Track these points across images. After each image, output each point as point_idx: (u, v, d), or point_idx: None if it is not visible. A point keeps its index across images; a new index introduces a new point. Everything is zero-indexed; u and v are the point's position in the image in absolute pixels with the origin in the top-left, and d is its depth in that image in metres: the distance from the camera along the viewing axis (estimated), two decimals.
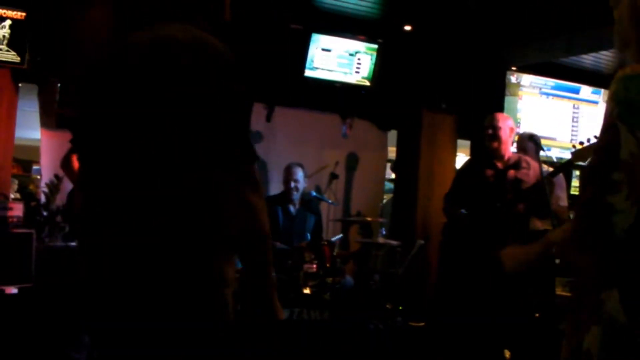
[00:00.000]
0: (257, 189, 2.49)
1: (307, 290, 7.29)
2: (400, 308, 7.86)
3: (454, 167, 10.21)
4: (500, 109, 9.49)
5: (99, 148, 2.48)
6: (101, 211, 2.46)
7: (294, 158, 8.66)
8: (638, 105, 2.24)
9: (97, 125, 2.48)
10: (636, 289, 2.26)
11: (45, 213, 7.45)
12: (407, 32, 9.35)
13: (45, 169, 8.25)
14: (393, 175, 11.05)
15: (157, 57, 2.37)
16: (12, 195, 9.14)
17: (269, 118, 9.30)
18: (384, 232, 9.18)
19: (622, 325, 2.28)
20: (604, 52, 9.85)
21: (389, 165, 11.04)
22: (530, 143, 7.84)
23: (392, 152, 10.67)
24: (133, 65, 2.41)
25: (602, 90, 10.69)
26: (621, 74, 2.32)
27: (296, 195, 8.06)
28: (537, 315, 7.05)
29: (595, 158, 2.41)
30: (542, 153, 7.35)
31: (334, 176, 8.78)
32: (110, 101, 2.43)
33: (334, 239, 8.22)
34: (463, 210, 6.97)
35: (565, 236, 2.47)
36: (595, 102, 10.68)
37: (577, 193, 9.08)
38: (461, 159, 10.65)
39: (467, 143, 10.69)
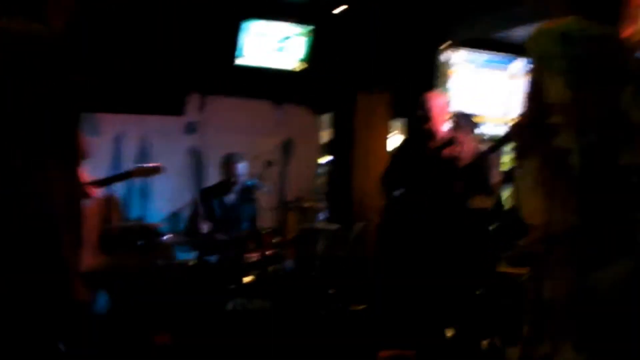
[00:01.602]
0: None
1: (249, 280, 7.26)
2: (331, 292, 7.85)
3: (389, 148, 10.20)
4: (434, 86, 9.48)
5: None
6: None
7: (228, 147, 8.59)
8: (554, 54, 2.45)
9: None
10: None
11: None
12: (340, 13, 9.27)
13: None
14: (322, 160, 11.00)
15: None
16: None
17: (202, 107, 9.21)
18: (322, 217, 9.16)
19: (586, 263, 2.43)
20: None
21: None
22: (465, 120, 7.87)
23: (324, 136, 10.62)
24: None
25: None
26: (538, 29, 2.56)
27: (237, 187, 8.02)
28: (477, 293, 7.10)
29: (529, 109, 2.59)
30: (477, 130, 7.40)
31: (269, 163, 8.73)
32: None
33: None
34: (396, 193, 6.96)
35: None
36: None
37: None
38: (397, 139, 10.63)
39: (402, 123, 10.66)
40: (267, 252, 7.49)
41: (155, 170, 7.43)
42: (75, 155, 2.49)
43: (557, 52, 2.43)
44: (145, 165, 7.39)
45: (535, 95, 2.48)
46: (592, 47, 2.44)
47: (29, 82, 2.33)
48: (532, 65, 2.53)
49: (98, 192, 6.33)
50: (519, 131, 2.62)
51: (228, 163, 8.05)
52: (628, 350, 2.48)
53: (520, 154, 2.61)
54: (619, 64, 2.50)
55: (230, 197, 8.07)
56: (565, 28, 2.47)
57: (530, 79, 2.53)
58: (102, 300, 7.70)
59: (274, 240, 7.64)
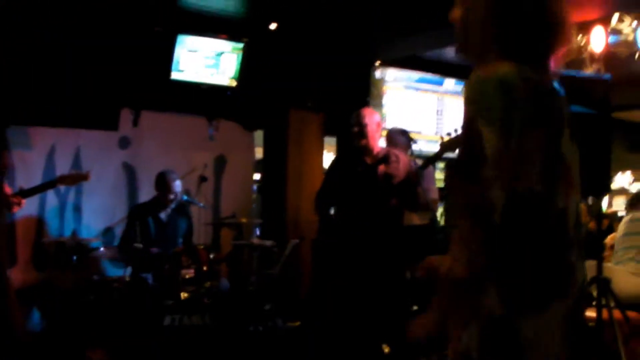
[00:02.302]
0: None
1: (185, 296, 7.23)
2: (267, 308, 7.87)
3: (322, 165, 10.27)
4: (366, 104, 9.57)
5: None
6: None
7: (162, 162, 8.60)
8: (491, 104, 2.42)
9: None
10: (511, 281, 2.39)
11: None
12: (273, 30, 9.32)
13: None
14: (257, 176, 11.01)
15: None
16: None
17: (135, 122, 9.16)
18: (257, 233, 9.17)
19: (499, 317, 2.41)
20: None
21: None
22: (400, 137, 7.97)
23: (259, 152, 10.62)
24: None
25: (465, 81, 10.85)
26: (475, 77, 2.52)
27: (172, 205, 8.01)
28: (414, 309, 7.17)
29: (463, 155, 2.61)
30: (411, 146, 7.46)
31: (203, 179, 8.73)
32: None
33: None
34: (331, 209, 7.01)
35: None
36: (459, 93, 10.79)
37: (442, 185, 9.25)
38: (328, 157, 10.71)
39: (334, 140, 10.74)
40: (203, 268, 7.48)
41: (81, 177, 7.38)
42: None
43: (496, 101, 2.43)
44: (70, 173, 7.34)
45: (469, 140, 2.50)
46: (530, 92, 2.46)
47: None
48: (467, 112, 2.53)
49: (24, 203, 6.28)
50: (450, 168, 2.65)
51: (163, 180, 8.01)
52: None
53: (449, 191, 2.71)
54: (556, 107, 2.56)
55: (165, 213, 8.04)
56: (502, 76, 2.47)
57: (466, 122, 2.54)
58: (35, 317, 7.62)
59: (210, 256, 7.62)
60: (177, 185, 8.01)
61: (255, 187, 10.54)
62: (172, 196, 7.97)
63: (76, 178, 7.35)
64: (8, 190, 5.82)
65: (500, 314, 2.41)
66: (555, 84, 2.63)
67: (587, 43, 8.27)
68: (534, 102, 2.45)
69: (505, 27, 2.58)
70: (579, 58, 8.32)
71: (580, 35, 8.29)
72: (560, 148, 2.51)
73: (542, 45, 2.60)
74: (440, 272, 2.50)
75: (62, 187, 8.41)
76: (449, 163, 8.98)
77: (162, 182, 8.02)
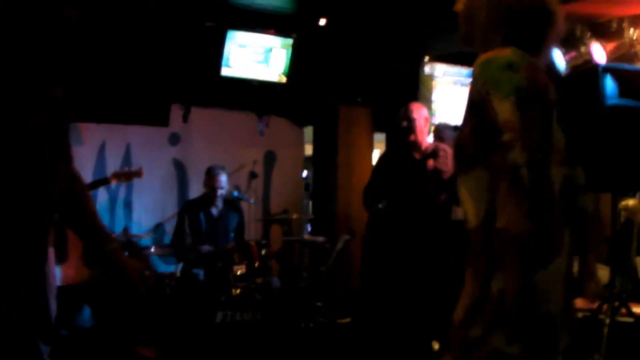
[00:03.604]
0: None
1: (237, 292, 7.22)
2: (319, 304, 7.83)
3: (371, 160, 10.22)
4: (415, 99, 9.49)
5: None
6: None
7: (212, 158, 8.58)
8: (501, 80, 2.67)
9: None
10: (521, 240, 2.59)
11: None
12: (322, 25, 9.27)
13: None
14: (305, 173, 10.99)
15: None
16: None
17: (185, 119, 9.17)
18: (309, 229, 9.15)
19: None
20: None
21: None
22: (449, 132, 7.88)
23: (308, 149, 10.61)
24: None
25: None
26: (482, 59, 2.78)
27: (220, 200, 7.98)
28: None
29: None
30: None
31: (253, 175, 8.73)
32: None
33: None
34: (380, 205, 6.95)
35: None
36: None
37: None
38: (377, 153, 10.66)
39: (383, 136, 10.69)
40: (254, 264, 7.46)
41: (134, 174, 7.37)
42: (63, 160, 2.53)
43: (505, 77, 2.68)
44: (123, 169, 7.33)
45: (479, 115, 2.72)
46: (529, 75, 2.70)
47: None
48: (477, 89, 2.74)
49: None
50: (462, 145, 2.86)
51: (210, 175, 7.99)
52: (556, 347, 2.78)
53: (464, 166, 2.86)
54: (547, 90, 2.77)
55: (216, 209, 8.03)
56: (509, 57, 2.72)
57: (473, 100, 2.77)
58: (86, 314, 7.63)
59: (262, 252, 7.59)
60: (224, 179, 7.96)
61: (302, 182, 10.49)
62: (219, 191, 7.93)
63: (129, 175, 7.34)
64: None
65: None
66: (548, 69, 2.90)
67: (639, 37, 8.17)
68: (534, 83, 2.70)
69: (506, 17, 2.84)
70: (630, 52, 8.22)
71: (632, 29, 8.18)
72: (551, 127, 2.75)
73: (539, 33, 2.87)
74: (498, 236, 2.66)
75: (113, 184, 8.45)
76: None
77: (208, 176, 7.99)
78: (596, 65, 8.08)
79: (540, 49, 2.87)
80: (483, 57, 2.78)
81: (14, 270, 2.42)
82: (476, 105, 2.75)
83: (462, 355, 2.85)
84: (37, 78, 2.46)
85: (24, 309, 2.49)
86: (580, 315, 6.49)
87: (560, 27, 2.93)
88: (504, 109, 2.62)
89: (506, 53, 2.75)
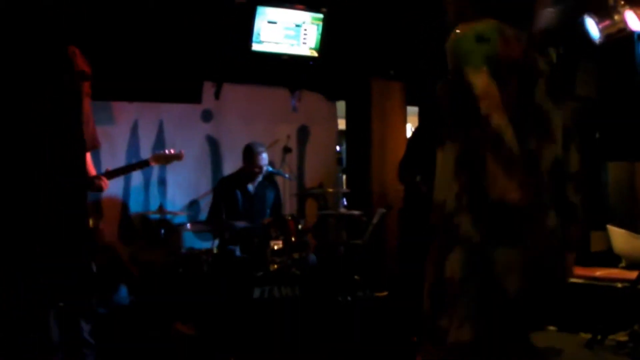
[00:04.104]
0: None
1: (274, 267, 7.21)
2: (357, 278, 7.80)
3: (405, 134, 10.18)
4: (447, 73, 9.42)
5: None
6: None
7: (245, 134, 8.60)
8: (471, 51, 2.74)
9: None
10: (485, 211, 2.68)
11: None
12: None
13: None
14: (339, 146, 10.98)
15: None
16: None
17: (217, 95, 9.15)
18: (345, 203, 9.12)
19: (476, 242, 2.71)
20: (550, 9, 9.86)
21: None
22: None
23: (341, 123, 10.57)
24: None
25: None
26: (454, 34, 2.87)
27: (260, 177, 7.98)
28: None
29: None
30: None
31: (287, 150, 8.73)
32: None
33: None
34: (417, 178, 6.91)
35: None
36: None
37: None
38: (410, 126, 10.63)
39: (415, 110, 10.65)
40: (291, 239, 7.45)
41: (175, 157, 7.37)
42: (77, 148, 2.47)
43: (476, 49, 2.72)
44: (164, 152, 7.33)
45: (456, 90, 2.77)
46: (504, 45, 2.73)
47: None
48: (451, 65, 2.83)
49: (107, 185, 6.26)
50: (438, 121, 2.98)
51: (250, 153, 7.98)
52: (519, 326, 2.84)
53: (441, 141, 2.98)
54: (530, 60, 2.80)
55: (252, 185, 8.04)
56: (478, 30, 2.76)
57: (451, 77, 2.84)
58: (123, 291, 7.66)
59: (299, 227, 7.57)
60: (264, 158, 7.98)
61: (337, 157, 10.45)
62: (258, 169, 7.94)
63: (169, 157, 7.32)
64: (93, 170, 5.77)
65: (475, 238, 2.71)
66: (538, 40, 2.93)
67: None
68: (507, 54, 2.73)
69: None
70: None
71: None
72: (533, 97, 2.78)
73: (519, 5, 2.88)
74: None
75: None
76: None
77: (249, 154, 7.99)
78: (631, 33, 8.01)
79: (520, 18, 2.86)
80: (454, 33, 2.85)
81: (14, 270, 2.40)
82: (452, 81, 2.82)
83: (435, 347, 2.93)
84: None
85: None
86: (619, 285, 6.46)
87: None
88: (478, 79, 2.66)
89: (476, 25, 2.78)
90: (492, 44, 2.70)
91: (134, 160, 8.22)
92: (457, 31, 2.83)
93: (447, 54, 2.86)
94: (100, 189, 5.98)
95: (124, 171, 7.38)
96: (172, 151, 7.37)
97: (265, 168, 8.00)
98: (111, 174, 6.37)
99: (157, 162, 7.35)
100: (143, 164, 7.34)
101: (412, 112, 10.68)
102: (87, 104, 5.30)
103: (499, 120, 2.59)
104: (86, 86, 5.32)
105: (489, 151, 2.60)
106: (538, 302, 2.84)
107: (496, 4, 2.83)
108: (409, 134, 10.40)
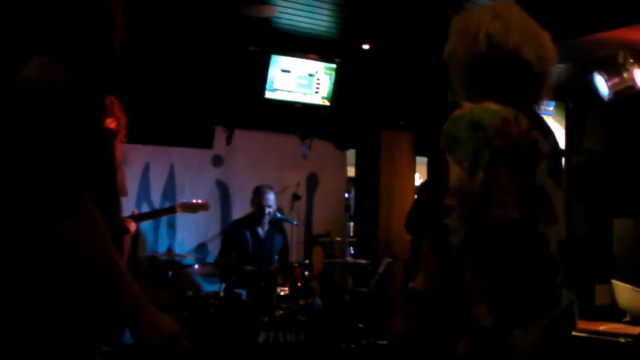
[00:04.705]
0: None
1: (280, 313, 7.26)
2: (361, 326, 7.84)
3: (413, 184, 10.27)
4: None
5: None
6: None
7: (255, 180, 8.68)
8: (460, 141, 2.64)
9: None
10: (500, 298, 2.65)
11: None
12: (365, 51, 9.34)
13: None
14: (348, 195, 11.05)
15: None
16: None
17: (229, 141, 9.26)
18: (351, 251, 9.19)
19: (490, 328, 2.64)
20: (561, 65, 9.96)
21: None
22: None
23: (350, 171, 10.65)
24: None
25: (554, 102, 10.71)
26: (452, 115, 2.74)
27: (267, 219, 8.06)
28: None
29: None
30: None
31: (296, 197, 8.81)
32: None
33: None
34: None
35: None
36: (550, 114, 10.67)
37: None
38: (418, 177, 10.71)
39: (424, 160, 10.74)
40: (297, 285, 7.51)
41: (202, 207, 7.45)
42: (115, 195, 2.51)
43: (464, 139, 2.63)
44: (191, 201, 7.41)
45: (438, 171, 2.73)
46: (504, 131, 2.66)
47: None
48: (441, 145, 2.72)
49: (134, 228, 6.35)
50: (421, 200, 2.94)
51: (258, 194, 8.08)
52: None
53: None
54: (531, 142, 2.74)
55: (262, 230, 8.13)
56: (475, 116, 2.67)
57: (438, 155, 2.74)
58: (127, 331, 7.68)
59: (306, 274, 7.64)
60: (272, 197, 8.10)
61: (345, 205, 10.52)
62: (267, 209, 8.03)
63: (196, 207, 7.41)
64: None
65: (490, 325, 2.63)
66: (539, 120, 2.87)
67: None
68: (506, 139, 2.66)
69: (482, 74, 2.83)
70: None
71: None
72: (534, 180, 2.71)
73: (519, 88, 2.82)
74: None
75: (156, 202, 8.59)
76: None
77: (256, 194, 8.10)
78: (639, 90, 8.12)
79: (521, 100, 2.82)
80: (452, 114, 2.75)
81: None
82: (438, 161, 2.76)
83: None
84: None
85: None
86: (622, 340, 6.50)
87: (549, 77, 2.90)
88: (454, 173, 2.61)
89: (474, 110, 2.71)
90: (487, 131, 2.64)
91: (144, 203, 8.33)
92: (455, 113, 2.74)
93: (442, 133, 2.77)
94: (127, 231, 6.10)
95: (150, 216, 7.48)
96: (200, 201, 7.46)
97: (272, 210, 8.09)
98: (138, 218, 6.45)
99: (183, 210, 7.43)
100: (169, 211, 7.43)
101: (421, 161, 10.78)
102: (120, 151, 5.42)
103: (454, 220, 2.58)
104: (121, 135, 5.45)
105: (427, 241, 2.68)
106: None
107: (496, 87, 2.79)
108: (417, 183, 10.49)
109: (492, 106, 2.72)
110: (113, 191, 2.52)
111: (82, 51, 2.38)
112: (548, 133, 2.87)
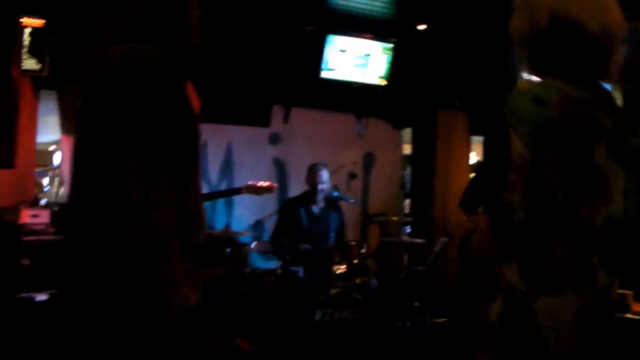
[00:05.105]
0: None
1: (336, 291, 7.32)
2: (417, 305, 7.89)
3: (469, 164, 10.27)
4: None
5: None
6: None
7: (311, 158, 8.68)
8: (522, 115, 2.62)
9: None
10: (531, 261, 2.63)
11: None
12: (421, 31, 9.34)
13: (67, 176, 8.21)
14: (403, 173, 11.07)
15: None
16: (43, 201, 9.12)
17: (286, 119, 9.35)
18: (407, 230, 9.22)
19: (520, 291, 2.64)
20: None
21: None
22: None
23: (405, 148, 10.68)
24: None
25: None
26: (515, 90, 2.71)
27: (321, 195, 8.09)
28: None
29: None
30: None
31: (352, 176, 8.82)
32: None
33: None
34: (479, 209, 6.98)
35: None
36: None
37: None
38: (473, 156, 10.71)
39: (479, 139, 10.72)
40: (353, 263, 7.57)
41: (266, 190, 7.51)
42: (194, 169, 2.66)
43: (526, 114, 2.62)
44: (257, 183, 7.48)
45: (502, 145, 2.73)
46: (565, 108, 2.62)
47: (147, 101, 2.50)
48: (506, 120, 2.70)
49: None
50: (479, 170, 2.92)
51: (312, 172, 8.13)
52: None
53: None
54: (592, 122, 2.69)
55: (317, 207, 8.18)
56: (537, 91, 2.65)
57: (503, 129, 2.72)
58: None
59: (362, 251, 7.70)
60: (325, 175, 8.10)
61: (400, 184, 10.54)
62: (320, 186, 8.08)
63: (262, 189, 7.46)
64: None
65: (520, 288, 2.63)
66: (604, 98, 2.80)
67: None
68: (565, 116, 2.61)
69: (544, 50, 2.76)
70: None
71: None
72: (591, 158, 2.65)
73: (583, 64, 2.74)
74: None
75: (213, 180, 8.68)
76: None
77: (310, 172, 8.15)
78: None
79: (587, 78, 2.77)
80: (515, 89, 2.74)
81: None
82: (502, 136, 2.76)
83: None
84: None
85: None
86: None
87: (616, 51, 2.83)
88: (517, 149, 2.62)
89: (536, 86, 2.72)
90: (550, 107, 2.61)
91: (202, 180, 8.42)
92: (517, 88, 2.73)
93: (505, 107, 2.75)
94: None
95: (216, 196, 7.56)
96: (265, 184, 7.52)
97: (325, 187, 8.11)
98: (207, 197, 6.51)
99: (248, 192, 7.48)
100: (234, 192, 7.50)
101: (476, 140, 10.76)
102: None
103: (516, 196, 2.58)
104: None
105: (494, 217, 2.72)
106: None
107: (559, 63, 2.74)
108: (472, 162, 10.49)
109: (554, 83, 2.69)
110: (196, 162, 2.69)
111: (168, 39, 2.73)
112: (612, 111, 2.81)
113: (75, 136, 2.76)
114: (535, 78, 2.77)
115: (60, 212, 7.41)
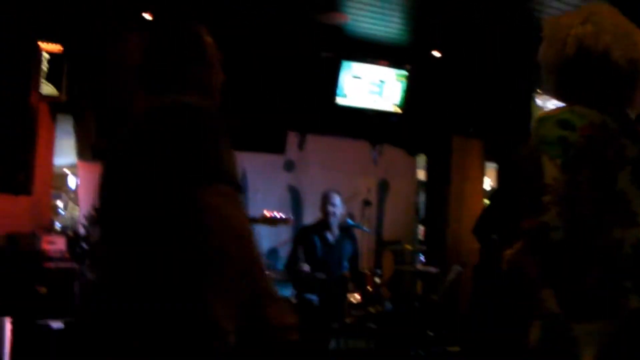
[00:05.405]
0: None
1: (351, 319, 7.32)
2: (430, 333, 7.88)
3: (483, 191, 10.26)
4: (527, 132, 9.49)
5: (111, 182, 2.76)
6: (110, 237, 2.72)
7: (326, 185, 8.69)
8: (551, 139, 2.65)
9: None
10: (569, 287, 2.62)
11: (85, 246, 7.43)
12: (436, 58, 9.37)
13: (83, 202, 8.25)
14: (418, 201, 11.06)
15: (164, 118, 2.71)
16: (58, 225, 9.16)
17: (301, 146, 9.37)
18: (422, 259, 9.22)
19: (558, 317, 2.62)
20: None
21: None
22: None
23: (420, 174, 10.69)
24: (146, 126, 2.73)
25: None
26: (539, 116, 2.79)
27: (334, 222, 8.08)
28: None
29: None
30: None
31: (367, 203, 8.81)
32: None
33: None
34: (494, 236, 6.97)
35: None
36: None
37: None
38: (488, 182, 10.71)
39: (493, 166, 10.73)
40: (368, 291, 7.57)
41: (282, 222, 7.51)
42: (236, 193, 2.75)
43: (554, 138, 2.64)
44: (272, 214, 7.48)
45: (532, 175, 2.70)
46: (590, 133, 2.66)
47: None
48: (532, 145, 2.72)
49: None
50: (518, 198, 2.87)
51: (325, 198, 8.13)
52: None
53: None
54: (616, 148, 2.70)
55: (332, 235, 8.17)
56: (563, 116, 2.68)
57: (529, 153, 2.74)
58: None
59: (377, 281, 7.70)
60: (338, 203, 8.10)
61: (415, 212, 10.54)
62: (333, 214, 8.09)
63: (276, 221, 7.46)
64: None
65: (558, 313, 2.62)
66: (629, 125, 2.79)
67: None
68: (590, 142, 2.65)
69: (571, 78, 2.79)
70: None
71: None
72: (615, 185, 2.66)
73: (609, 92, 2.77)
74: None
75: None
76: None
77: (324, 201, 8.14)
78: None
79: (610, 105, 2.78)
80: (541, 114, 2.82)
81: None
82: (531, 164, 2.74)
83: None
84: None
85: None
86: None
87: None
88: (549, 171, 2.63)
89: (563, 110, 2.74)
90: (574, 132, 2.65)
91: None
92: (543, 113, 2.81)
93: (531, 133, 2.77)
94: None
95: None
96: (281, 215, 7.51)
97: (338, 215, 8.10)
98: None
99: (264, 223, 7.48)
100: (249, 221, 7.50)
101: (490, 167, 10.77)
102: None
103: (552, 216, 2.60)
104: None
105: (524, 241, 2.69)
106: None
107: (585, 91, 2.78)
108: (486, 188, 10.50)
109: (581, 110, 2.73)
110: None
111: (217, 91, 3.01)
112: (638, 138, 2.81)
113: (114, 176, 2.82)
114: (558, 104, 2.82)
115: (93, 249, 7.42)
